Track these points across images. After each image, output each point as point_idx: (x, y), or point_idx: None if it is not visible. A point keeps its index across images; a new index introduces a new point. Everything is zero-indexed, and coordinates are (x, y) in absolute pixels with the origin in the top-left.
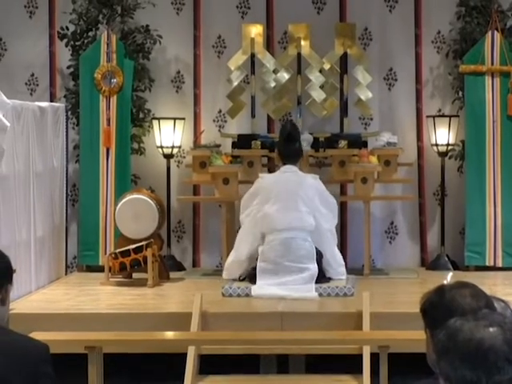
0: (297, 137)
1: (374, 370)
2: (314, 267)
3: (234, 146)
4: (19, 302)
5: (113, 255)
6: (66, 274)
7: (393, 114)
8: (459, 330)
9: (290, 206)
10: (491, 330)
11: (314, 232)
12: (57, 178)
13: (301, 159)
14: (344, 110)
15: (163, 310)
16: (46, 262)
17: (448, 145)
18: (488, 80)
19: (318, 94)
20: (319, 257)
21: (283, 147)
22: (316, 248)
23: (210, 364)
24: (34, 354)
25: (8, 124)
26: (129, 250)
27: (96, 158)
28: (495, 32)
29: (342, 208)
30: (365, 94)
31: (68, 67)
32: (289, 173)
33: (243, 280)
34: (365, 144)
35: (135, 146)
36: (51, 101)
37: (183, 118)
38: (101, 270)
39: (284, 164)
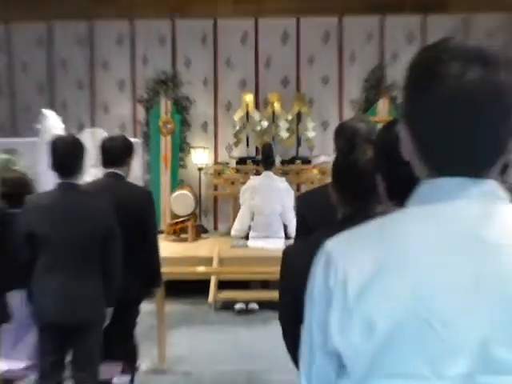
0: (271, 154)
1: None
2: (282, 235)
3: (237, 163)
4: None
5: (170, 224)
6: None
7: (327, 145)
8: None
9: (268, 199)
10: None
11: (282, 215)
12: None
13: (274, 167)
14: (298, 143)
15: (197, 255)
16: None
17: None
18: None
19: (284, 134)
20: (285, 228)
21: (264, 160)
22: (283, 224)
23: (224, 286)
24: (148, 194)
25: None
26: (178, 221)
27: (159, 171)
28: (385, 100)
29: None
30: (311, 134)
31: (144, 119)
32: (267, 177)
33: (243, 239)
34: (310, 162)
35: (181, 163)
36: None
37: (207, 148)
38: (162, 232)
39: (265, 169)
